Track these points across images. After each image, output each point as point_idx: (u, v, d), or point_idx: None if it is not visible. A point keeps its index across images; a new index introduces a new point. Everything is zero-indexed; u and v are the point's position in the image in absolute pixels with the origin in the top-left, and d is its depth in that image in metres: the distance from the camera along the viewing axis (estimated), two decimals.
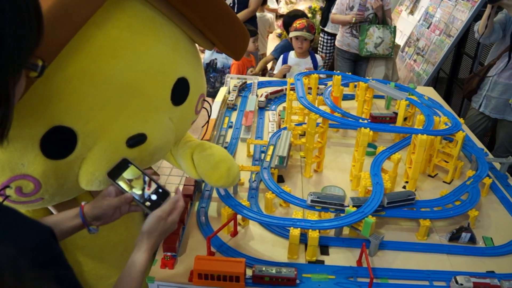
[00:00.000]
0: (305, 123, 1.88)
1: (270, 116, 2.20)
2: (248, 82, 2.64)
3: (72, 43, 0.92)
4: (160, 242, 1.03)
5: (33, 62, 0.70)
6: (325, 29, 4.20)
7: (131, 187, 1.02)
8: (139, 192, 1.01)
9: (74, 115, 1.00)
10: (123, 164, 1.02)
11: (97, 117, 1.01)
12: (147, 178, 1.03)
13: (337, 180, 1.71)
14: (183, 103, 1.21)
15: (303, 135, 1.91)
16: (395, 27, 3.35)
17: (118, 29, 1.01)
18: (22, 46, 0.65)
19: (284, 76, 3.12)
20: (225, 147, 1.87)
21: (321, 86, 2.27)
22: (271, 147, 1.74)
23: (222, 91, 2.42)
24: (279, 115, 2.16)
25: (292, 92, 1.95)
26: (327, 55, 4.19)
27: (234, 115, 2.22)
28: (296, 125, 1.93)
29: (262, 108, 2.31)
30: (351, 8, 3.35)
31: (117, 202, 1.00)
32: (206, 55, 3.76)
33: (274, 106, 2.36)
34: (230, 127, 2.10)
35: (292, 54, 3.18)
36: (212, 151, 1.36)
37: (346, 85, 2.34)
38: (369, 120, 1.86)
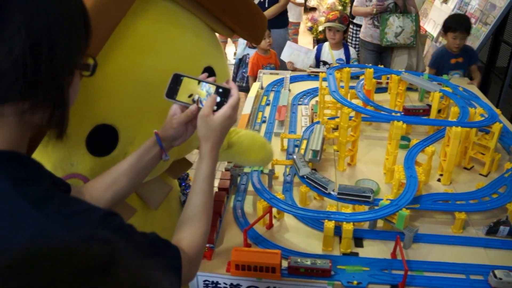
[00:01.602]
0: (338, 117, 1.89)
1: (303, 110, 2.22)
2: (280, 76, 2.66)
3: (106, 44, 0.98)
4: (220, 140, 0.97)
5: (84, 62, 0.73)
6: (354, 20, 4.15)
7: (192, 98, 0.98)
8: (203, 100, 0.98)
9: (113, 113, 1.04)
10: (176, 80, 0.99)
11: (135, 112, 1.06)
12: (204, 84, 0.99)
13: (370, 173, 1.71)
14: None
15: (336, 129, 1.91)
16: (416, 14, 3.28)
17: (145, 26, 1.05)
18: (74, 49, 0.68)
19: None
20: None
21: (353, 80, 2.26)
22: (305, 141, 1.75)
23: (255, 87, 2.44)
24: (312, 109, 2.17)
25: (324, 86, 1.96)
26: (357, 46, 4.15)
27: (267, 110, 2.24)
28: (329, 119, 1.94)
29: (294, 104, 2.32)
30: (371, 0, 3.31)
31: (185, 117, 0.97)
32: (239, 51, 3.78)
33: (306, 100, 2.36)
34: (264, 122, 2.11)
35: (326, 45, 3.18)
36: (241, 132, 1.45)
37: (379, 77, 2.33)
38: (402, 113, 1.85)
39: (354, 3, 3.47)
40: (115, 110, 1.05)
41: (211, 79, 0.99)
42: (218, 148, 0.96)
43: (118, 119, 1.05)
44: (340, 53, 3.15)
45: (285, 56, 3.12)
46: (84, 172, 1.04)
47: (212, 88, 0.97)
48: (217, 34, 1.29)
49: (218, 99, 0.96)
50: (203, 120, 0.93)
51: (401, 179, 1.45)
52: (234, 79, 3.73)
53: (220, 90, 0.97)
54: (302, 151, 1.68)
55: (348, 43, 3.39)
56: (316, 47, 3.33)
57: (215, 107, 0.95)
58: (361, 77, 2.16)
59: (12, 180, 0.63)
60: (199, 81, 0.98)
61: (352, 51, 3.20)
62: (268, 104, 2.31)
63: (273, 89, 2.51)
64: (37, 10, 0.63)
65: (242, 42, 3.91)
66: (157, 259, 0.69)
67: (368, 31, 3.43)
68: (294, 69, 2.96)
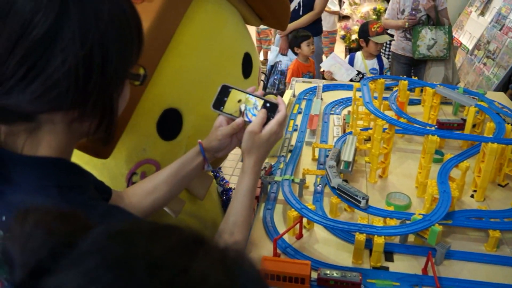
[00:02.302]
0: (371, 128, 1.88)
1: (335, 120, 2.20)
2: (313, 85, 2.65)
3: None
4: (264, 156, 0.99)
5: (135, 72, 0.74)
6: (388, 31, 4.12)
7: (239, 111, 0.99)
8: (250, 112, 0.99)
9: (178, 97, 1.17)
10: (224, 91, 1.00)
11: (193, 97, 1.19)
12: (252, 97, 0.99)
13: (402, 187, 1.69)
14: (250, 76, 1.42)
15: (368, 140, 1.89)
16: (449, 26, 3.23)
17: (199, 16, 1.18)
18: (125, 60, 0.69)
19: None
20: (290, 151, 1.90)
21: (387, 91, 2.24)
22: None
23: (287, 94, 2.44)
24: (344, 119, 2.16)
25: (358, 97, 1.95)
26: (389, 57, 4.11)
27: (299, 118, 2.24)
28: (361, 130, 1.92)
29: (326, 113, 2.31)
30: (402, 12, 3.26)
31: (230, 130, 0.98)
32: (271, 57, 3.81)
33: (339, 110, 2.35)
34: (295, 130, 2.11)
35: (359, 55, 3.16)
36: None
37: (412, 90, 2.30)
38: (436, 127, 1.82)
39: (385, 16, 3.44)
40: (179, 94, 1.17)
41: (259, 93, 1.00)
42: (262, 163, 0.98)
43: (182, 103, 1.17)
44: (373, 63, 3.13)
45: (326, 65, 3.11)
46: (155, 157, 1.12)
47: (260, 103, 0.98)
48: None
49: (266, 114, 0.97)
50: (251, 136, 0.94)
51: (434, 194, 1.43)
52: (265, 86, 3.74)
53: (268, 105, 0.97)
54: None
55: (381, 54, 3.36)
56: (348, 56, 3.32)
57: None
58: (394, 89, 2.13)
59: (59, 186, 0.65)
60: (247, 94, 0.99)
61: (385, 61, 3.18)
62: (300, 113, 2.31)
63: (305, 97, 2.50)
64: (93, 21, 0.63)
65: (274, 49, 3.93)
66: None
67: (400, 44, 3.39)
68: (331, 79, 2.95)
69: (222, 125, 1.00)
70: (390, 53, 3.99)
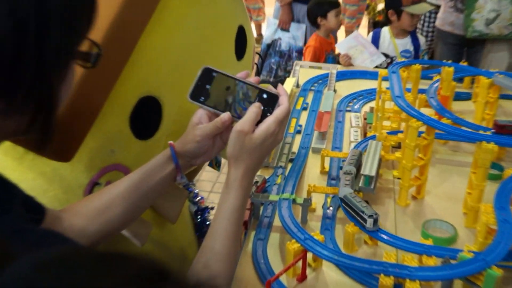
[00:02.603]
0: (402, 132, 1.85)
1: (353, 119, 2.19)
2: (324, 71, 2.63)
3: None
4: (256, 165, 0.99)
5: (85, 50, 0.74)
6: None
7: (226, 103, 0.98)
8: (239, 106, 0.98)
9: (157, 83, 1.23)
10: (206, 76, 0.99)
11: (177, 82, 1.25)
12: (243, 85, 0.99)
13: (444, 212, 1.66)
14: (243, 57, 1.51)
15: (398, 147, 1.88)
16: None
17: None
18: (71, 35, 0.68)
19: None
20: (291, 160, 1.90)
21: (424, 81, 2.21)
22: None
23: (289, 84, 2.42)
24: (365, 119, 2.14)
25: (384, 88, 1.92)
26: (429, 35, 4.08)
27: (303, 117, 2.23)
28: (388, 133, 1.91)
29: (341, 110, 2.29)
30: None
31: (212, 129, 0.98)
32: (267, 33, 3.80)
33: (358, 106, 2.34)
34: (299, 132, 2.10)
35: (386, 32, 3.14)
36: None
37: (460, 80, 2.27)
38: (493, 130, 1.78)
39: None
40: (160, 78, 1.23)
41: (253, 79, 1.00)
42: (253, 175, 0.98)
43: (162, 90, 1.23)
44: (406, 43, 3.12)
45: (343, 46, 3.06)
46: (126, 161, 1.16)
47: (253, 93, 0.97)
48: None
49: (261, 107, 0.96)
50: (239, 137, 0.93)
51: (490, 223, 1.39)
52: (259, 72, 3.73)
53: (264, 96, 0.97)
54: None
55: (417, 31, 3.33)
56: (371, 33, 3.30)
57: None
58: (435, 78, 2.11)
59: None
60: (237, 81, 0.98)
61: (422, 40, 3.15)
62: (305, 109, 2.30)
63: (313, 88, 2.49)
64: None
65: (272, 22, 3.93)
66: None
67: (448, 17, 3.35)
68: (349, 65, 2.92)
69: (202, 122, 0.99)
70: (432, 29, 3.95)
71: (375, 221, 1.40)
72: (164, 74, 1.24)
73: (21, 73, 0.63)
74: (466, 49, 3.39)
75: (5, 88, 0.63)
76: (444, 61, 2.20)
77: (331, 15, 3.36)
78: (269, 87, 0.99)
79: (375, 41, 3.16)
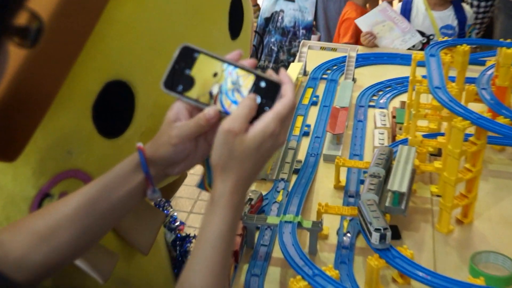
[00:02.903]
0: (443, 134, 1.86)
1: (378, 118, 2.21)
2: (339, 54, 2.64)
3: None
4: (251, 177, 0.97)
5: (21, 25, 0.73)
6: None
7: (211, 94, 0.97)
8: (227, 98, 0.97)
9: (129, 63, 1.22)
10: (186, 57, 0.98)
11: (155, 64, 1.24)
12: (233, 69, 0.97)
13: (500, 242, 1.67)
14: (239, 35, 1.53)
15: (437, 155, 1.89)
16: None
17: None
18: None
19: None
20: (296, 171, 1.91)
21: (474, 67, 2.22)
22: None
23: (294, 71, 2.43)
24: (394, 117, 2.16)
25: (419, 77, 1.93)
26: (481, 5, 4.08)
27: (313, 114, 2.25)
28: (425, 136, 1.92)
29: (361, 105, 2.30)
30: None
31: (194, 128, 0.96)
32: (265, 4, 3.79)
33: (384, 100, 2.36)
34: (306, 134, 2.12)
35: (420, 1, 3.14)
36: None
37: None
38: None
39: None
40: (132, 57, 1.22)
41: (248, 62, 0.98)
42: (245, 189, 0.96)
43: (135, 73, 1.22)
44: (447, 16, 3.12)
45: (366, 22, 3.06)
46: (89, 167, 1.15)
47: (247, 80, 0.96)
48: None
49: (258, 100, 0.94)
50: (228, 138, 0.91)
51: None
52: (256, 54, 3.73)
53: (263, 84, 0.95)
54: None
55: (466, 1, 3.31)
56: (399, 4, 3.30)
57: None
58: (489, 63, 2.12)
59: None
60: (227, 64, 0.97)
61: (469, 12, 3.15)
62: (314, 104, 2.32)
63: (325, 76, 2.51)
64: None
65: None
66: None
67: None
68: (373, 46, 2.93)
69: (181, 119, 0.97)
70: None
71: (382, 237, 1.42)
72: (138, 53, 1.23)
73: None
74: None
75: None
76: (504, 40, 2.21)
77: None
78: (268, 73, 0.98)
79: (406, 15, 3.14)
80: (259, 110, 0.94)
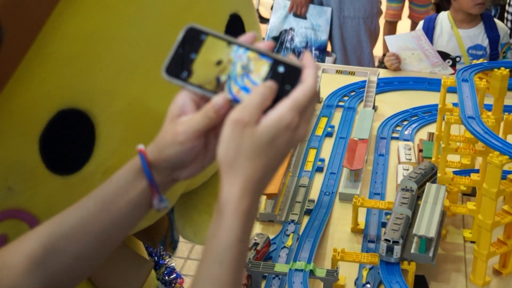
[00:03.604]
0: (477, 171, 1.87)
1: (402, 151, 2.22)
2: (359, 79, 2.65)
3: None
4: (265, 176, 0.92)
5: None
6: None
7: (218, 82, 0.94)
8: (235, 84, 0.93)
9: (89, 90, 1.15)
10: (191, 39, 0.96)
11: (125, 91, 1.17)
12: (245, 52, 0.94)
13: None
14: None
15: (471, 194, 1.90)
16: None
17: None
18: None
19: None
20: (308, 210, 1.91)
21: None
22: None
23: None
24: (421, 151, 2.17)
25: (450, 105, 1.94)
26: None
27: (327, 146, 2.26)
28: (456, 173, 1.92)
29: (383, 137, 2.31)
30: None
31: (203, 121, 0.91)
32: (273, 21, 3.80)
33: (409, 132, 2.37)
34: (319, 169, 2.13)
35: (445, 18, 3.16)
36: None
37: None
38: None
39: None
40: (90, 86, 1.15)
41: (263, 44, 0.96)
42: (258, 193, 0.91)
43: (95, 102, 1.15)
44: (476, 35, 3.13)
45: (396, 44, 3.06)
46: (34, 207, 1.11)
47: (261, 64, 0.93)
48: None
49: (275, 87, 0.91)
50: (235, 130, 0.88)
51: None
52: None
53: (281, 69, 0.92)
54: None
55: (506, 16, 3.31)
56: (421, 22, 3.32)
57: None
58: None
59: None
60: (237, 46, 0.94)
61: (502, 29, 3.15)
62: (329, 135, 2.34)
63: (341, 103, 2.54)
64: None
65: (280, 5, 3.95)
66: None
67: None
68: (396, 70, 2.94)
69: (186, 112, 0.94)
70: None
71: (389, 249, 1.46)
72: (101, 77, 1.17)
73: None
74: None
75: None
76: None
77: None
78: (289, 57, 0.94)
79: (428, 33, 3.14)
80: (276, 100, 0.91)
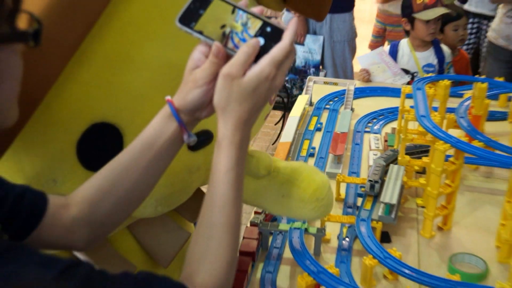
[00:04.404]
0: (427, 155, 1.85)
1: (372, 141, 2.21)
2: (340, 88, 2.65)
3: (101, 21, 1.02)
4: (250, 116, 0.91)
5: (20, 30, 0.71)
6: (465, 6, 4.05)
7: (223, 35, 0.92)
8: (236, 36, 0.92)
9: (117, 108, 1.10)
10: (202, 0, 0.93)
11: (145, 109, 1.09)
12: (243, 14, 0.92)
13: (474, 245, 1.67)
14: None
15: (422, 172, 1.89)
16: None
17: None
18: None
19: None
20: None
21: (454, 99, 2.22)
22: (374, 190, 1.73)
23: (301, 102, 2.44)
24: (386, 141, 2.16)
25: (407, 107, 1.94)
26: (469, 49, 4.02)
27: (317, 138, 2.25)
28: (412, 157, 1.91)
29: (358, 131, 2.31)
30: None
31: (210, 66, 0.90)
32: None
33: (378, 127, 2.36)
34: (312, 155, 2.12)
35: (405, 44, 3.14)
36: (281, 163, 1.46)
37: (495, 96, 2.28)
38: None
39: None
40: (118, 104, 1.10)
41: (257, 9, 0.93)
42: (247, 130, 0.90)
43: (122, 117, 1.10)
44: (428, 56, 3.10)
45: (365, 61, 3.06)
46: None
47: (255, 23, 0.91)
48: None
49: (262, 42, 0.89)
50: (226, 81, 0.87)
51: None
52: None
53: (268, 29, 0.90)
54: (368, 205, 1.68)
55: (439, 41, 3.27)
56: (388, 46, 3.30)
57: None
58: (466, 95, 2.12)
59: None
60: (237, 9, 0.92)
61: (447, 52, 3.12)
62: (319, 129, 2.32)
63: (328, 106, 2.51)
64: None
65: (287, 19, 3.90)
66: None
67: (504, 29, 3.20)
68: (367, 81, 2.93)
69: (199, 65, 0.93)
70: (476, 39, 3.84)
71: (372, 187, 1.52)
72: (126, 101, 1.12)
73: None
74: None
75: None
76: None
77: (449, 28, 3.23)
78: (273, 19, 0.92)
79: (393, 55, 3.13)
80: (262, 53, 0.89)
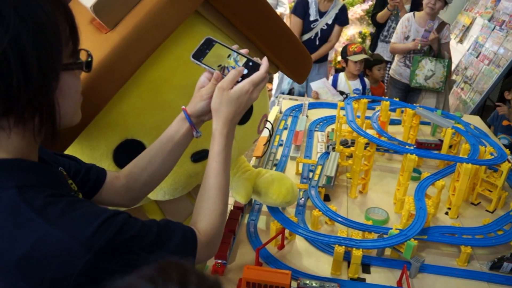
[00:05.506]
0: (353, 146, 1.89)
1: (319, 137, 2.22)
2: (299, 102, 2.67)
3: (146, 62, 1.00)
4: (233, 117, 0.88)
5: (77, 61, 0.68)
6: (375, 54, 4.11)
7: (220, 66, 0.91)
8: (231, 67, 0.91)
9: (143, 129, 1.06)
10: (207, 44, 0.93)
11: (162, 128, 1.03)
12: (235, 54, 0.92)
13: (381, 202, 1.70)
14: (246, 122, 1.27)
15: (350, 157, 1.90)
16: (449, 61, 3.15)
17: (188, 52, 1.04)
18: (51, 57, 0.62)
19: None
20: (275, 164, 1.91)
21: (370, 111, 2.26)
22: (320, 167, 1.75)
23: (274, 111, 2.45)
24: (328, 136, 2.17)
25: (341, 115, 1.96)
26: (384, 79, 4.05)
27: (284, 134, 2.25)
28: (344, 147, 1.93)
29: (311, 130, 2.33)
30: (406, 38, 3.23)
31: (212, 86, 0.90)
32: (285, 85, 3.68)
33: (323, 127, 2.36)
34: (281, 145, 2.12)
35: (342, 76, 3.18)
36: (271, 173, 1.43)
37: (394, 110, 2.32)
38: (414, 146, 1.84)
39: (392, 40, 3.32)
40: (145, 127, 1.06)
41: (244, 51, 0.93)
42: (232, 126, 0.89)
43: (146, 136, 1.06)
44: (356, 84, 3.15)
45: (315, 86, 3.07)
46: None
47: (242, 60, 0.91)
48: None
49: (245, 71, 0.89)
50: (219, 92, 0.87)
51: (411, 210, 1.45)
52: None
53: (250, 63, 0.90)
54: (316, 177, 1.69)
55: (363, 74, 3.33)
56: (332, 76, 3.32)
57: (239, 79, 0.89)
58: (377, 108, 2.15)
59: (17, 187, 0.62)
60: (231, 50, 0.92)
61: (367, 82, 3.19)
62: (286, 128, 2.31)
63: (292, 114, 2.52)
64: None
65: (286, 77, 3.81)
66: (168, 246, 0.72)
67: (399, 69, 3.32)
68: (317, 98, 2.96)
69: (204, 85, 0.92)
70: (388, 77, 3.92)
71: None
72: (150, 124, 1.06)
73: (15, 95, 0.59)
74: (409, 93, 3.38)
75: (8, 107, 0.60)
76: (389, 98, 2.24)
77: (375, 69, 3.31)
78: (255, 58, 0.92)
79: (335, 82, 3.16)
80: (246, 77, 0.89)
